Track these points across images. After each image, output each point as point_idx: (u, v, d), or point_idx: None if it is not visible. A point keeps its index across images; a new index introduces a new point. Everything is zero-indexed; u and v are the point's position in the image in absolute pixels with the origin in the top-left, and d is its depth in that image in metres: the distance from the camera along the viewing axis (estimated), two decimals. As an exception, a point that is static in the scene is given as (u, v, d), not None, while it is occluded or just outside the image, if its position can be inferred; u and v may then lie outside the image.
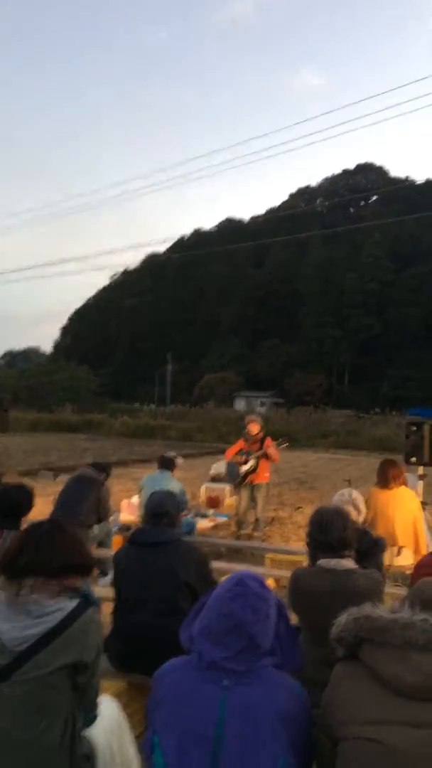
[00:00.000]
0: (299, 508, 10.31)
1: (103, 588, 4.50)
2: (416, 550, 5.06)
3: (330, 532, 2.59)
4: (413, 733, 1.45)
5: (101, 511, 5.83)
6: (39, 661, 1.83)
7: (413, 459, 6.43)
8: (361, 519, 3.88)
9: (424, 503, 6.21)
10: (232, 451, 7.98)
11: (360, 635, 1.59)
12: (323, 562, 2.59)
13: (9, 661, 1.82)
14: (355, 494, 3.92)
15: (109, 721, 2.19)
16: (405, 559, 5.01)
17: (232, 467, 7.99)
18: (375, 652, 1.55)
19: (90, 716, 2.05)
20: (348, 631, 1.62)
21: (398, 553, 5.06)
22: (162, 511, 3.15)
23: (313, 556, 2.68)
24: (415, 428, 6.51)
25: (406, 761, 1.43)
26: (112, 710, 2.27)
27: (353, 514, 3.71)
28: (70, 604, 1.93)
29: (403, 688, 1.49)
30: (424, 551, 4.96)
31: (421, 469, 6.65)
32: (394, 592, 3.98)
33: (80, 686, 1.93)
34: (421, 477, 6.73)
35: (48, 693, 1.84)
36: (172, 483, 6.29)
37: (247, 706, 1.57)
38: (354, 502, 3.85)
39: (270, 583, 4.52)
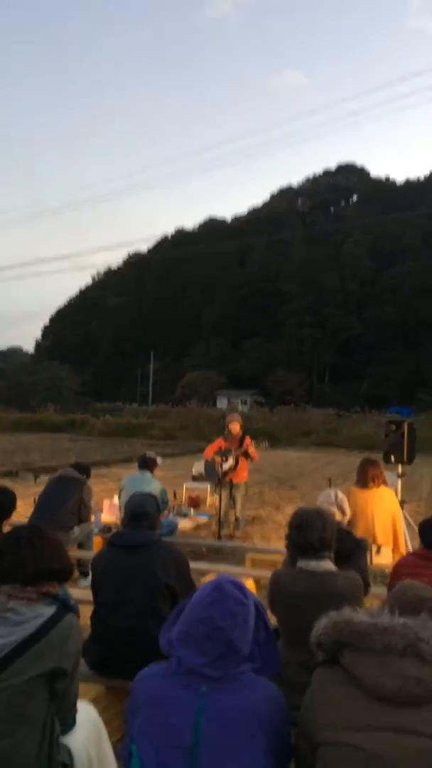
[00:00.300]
0: (281, 506, 10.34)
1: (83, 590, 4.47)
2: (395, 549, 5.11)
3: (309, 533, 2.58)
4: (393, 739, 1.45)
5: (82, 512, 5.78)
6: (16, 669, 1.80)
7: (392, 458, 6.48)
8: (345, 520, 3.90)
9: (403, 501, 6.27)
10: (211, 449, 7.98)
11: (340, 640, 1.59)
12: (302, 563, 2.59)
13: None
14: (341, 496, 3.93)
15: (87, 727, 2.16)
16: (384, 558, 5.05)
17: (211, 466, 7.99)
18: (355, 656, 1.55)
19: (68, 723, 2.02)
20: (328, 635, 1.62)
21: (378, 552, 5.10)
22: (142, 512, 3.13)
23: (293, 558, 2.68)
24: (394, 427, 6.57)
25: (386, 766, 1.43)
26: (90, 716, 2.25)
27: (337, 515, 3.72)
28: (48, 611, 1.90)
29: (382, 693, 1.48)
30: (403, 550, 5.01)
31: (399, 468, 6.70)
32: (373, 591, 4.00)
33: (59, 693, 1.91)
34: (399, 475, 6.78)
35: (26, 701, 1.82)
36: (153, 483, 6.26)
37: (225, 712, 1.56)
38: (339, 504, 3.86)
39: (250, 583, 4.53)
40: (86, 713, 2.23)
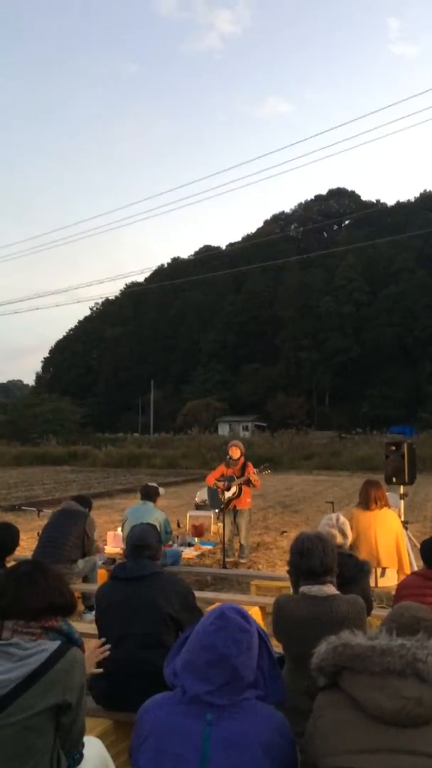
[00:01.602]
0: (284, 532, 10.30)
1: (89, 623, 4.45)
2: (400, 570, 5.09)
3: (311, 559, 2.60)
4: (395, 760, 1.46)
5: (86, 545, 5.78)
6: (22, 704, 1.81)
7: (394, 479, 6.49)
8: (347, 543, 3.91)
9: (406, 522, 6.26)
10: (213, 476, 7.98)
11: (339, 663, 1.61)
12: (305, 588, 2.60)
13: None
14: (342, 519, 3.95)
15: (95, 762, 2.16)
16: (389, 580, 5.03)
17: (214, 493, 7.99)
18: (354, 679, 1.57)
19: (75, 757, 2.02)
20: (327, 659, 1.64)
21: (382, 574, 5.08)
22: (143, 543, 3.15)
23: (295, 583, 2.70)
24: (394, 448, 6.58)
25: None
26: (98, 750, 2.25)
27: (339, 538, 3.74)
28: (52, 645, 1.92)
29: (382, 715, 1.50)
30: (408, 571, 4.99)
31: (402, 488, 6.71)
32: (379, 614, 3.99)
33: (64, 727, 1.92)
34: (402, 496, 6.78)
35: (32, 736, 1.83)
36: (156, 514, 6.26)
37: (231, 740, 1.58)
38: (340, 527, 3.88)
39: (256, 611, 4.51)
40: (94, 748, 2.23)
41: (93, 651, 2.70)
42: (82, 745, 2.07)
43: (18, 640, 1.90)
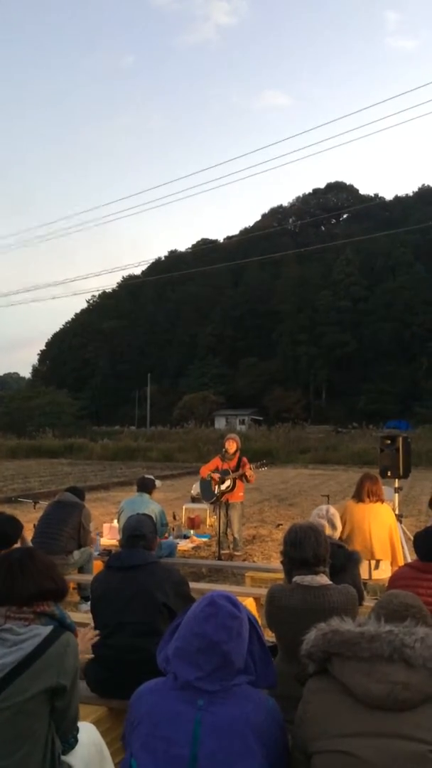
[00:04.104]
0: (279, 525, 10.34)
1: (84, 614, 4.49)
2: (394, 563, 5.13)
3: (303, 549, 2.63)
4: (383, 744, 1.49)
5: (82, 537, 5.81)
6: (16, 688, 1.84)
7: (389, 473, 6.52)
8: (336, 534, 3.95)
9: (400, 515, 6.30)
10: (207, 468, 8.01)
11: (328, 650, 1.64)
12: (298, 578, 2.63)
13: None
14: (332, 510, 3.99)
15: (89, 748, 2.19)
16: (383, 573, 5.07)
17: (207, 484, 8.00)
18: (343, 665, 1.60)
19: (69, 742, 2.06)
20: (317, 646, 1.67)
21: (376, 567, 5.13)
22: (138, 533, 3.18)
23: (289, 573, 2.73)
24: (389, 442, 6.62)
25: None
26: (92, 736, 2.28)
27: (327, 529, 3.77)
28: (45, 630, 1.95)
29: (370, 700, 1.53)
30: (401, 563, 5.02)
31: (396, 482, 6.74)
32: (372, 605, 4.03)
33: (59, 711, 1.95)
34: (396, 490, 6.82)
35: (27, 720, 1.86)
36: (151, 505, 6.29)
37: (222, 725, 1.60)
38: (330, 518, 3.92)
39: (250, 602, 4.55)
40: (88, 734, 2.26)
41: (85, 635, 2.74)
42: (77, 729, 2.10)
43: (11, 626, 1.93)
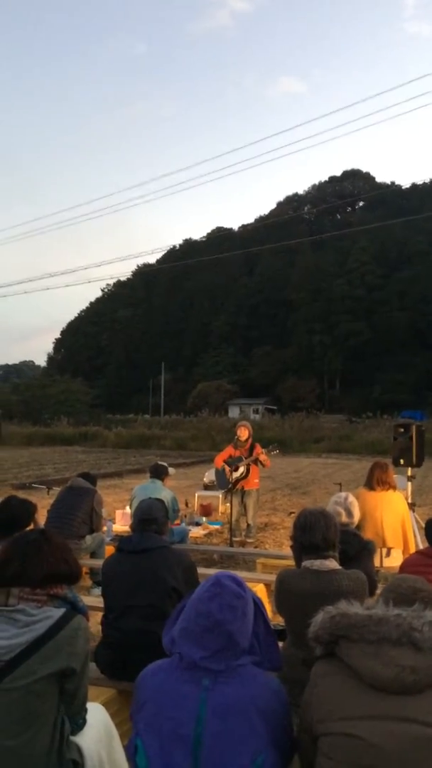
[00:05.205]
0: (292, 513, 10.34)
1: (96, 598, 4.52)
2: (405, 551, 5.11)
3: (313, 533, 2.62)
4: (390, 727, 1.48)
5: (94, 521, 5.85)
6: (26, 669, 1.85)
7: (402, 461, 6.48)
8: (353, 522, 3.92)
9: (413, 504, 6.27)
10: (221, 457, 8.01)
11: (336, 633, 1.63)
12: (307, 563, 2.63)
13: None
14: (351, 498, 3.96)
15: (98, 729, 2.21)
16: (394, 561, 5.05)
17: (222, 474, 8.01)
18: (351, 648, 1.59)
19: (79, 723, 2.07)
20: (324, 629, 1.66)
21: (388, 555, 5.11)
22: (149, 517, 3.18)
23: (298, 558, 2.72)
24: (402, 430, 6.57)
25: (383, 755, 1.46)
26: (102, 717, 2.29)
27: (343, 517, 3.76)
28: (57, 612, 1.96)
29: (378, 683, 1.53)
30: (413, 551, 5.00)
31: (409, 471, 6.70)
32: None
33: (68, 693, 1.96)
34: (409, 478, 6.78)
35: (36, 700, 1.87)
36: (164, 492, 6.30)
37: (227, 705, 1.61)
38: (347, 506, 3.89)
39: (261, 588, 4.55)
40: (97, 715, 2.28)
41: None
42: (86, 711, 2.12)
43: (24, 607, 1.94)
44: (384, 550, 5.09)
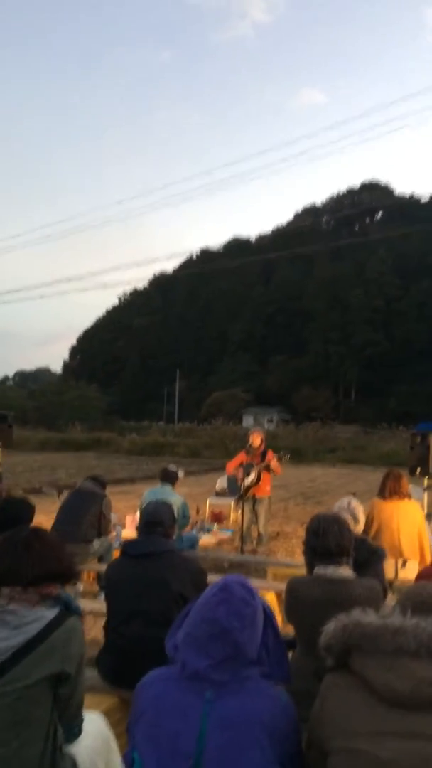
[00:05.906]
0: (305, 523, 10.18)
1: (103, 603, 4.41)
2: (422, 562, 4.95)
3: (326, 538, 2.51)
4: (405, 744, 1.37)
5: (102, 526, 5.75)
6: (18, 672, 1.75)
7: (418, 470, 6.33)
8: (358, 529, 3.80)
9: (429, 515, 6.10)
10: (233, 464, 7.89)
11: (349, 643, 1.51)
12: (320, 569, 2.51)
13: None
14: (355, 503, 3.83)
15: (95, 738, 2.10)
16: (411, 572, 4.89)
17: (233, 480, 7.90)
18: (364, 659, 1.47)
19: (73, 731, 1.96)
20: (336, 638, 1.54)
21: (404, 566, 4.95)
22: (155, 519, 3.07)
23: (310, 564, 2.60)
24: (419, 439, 6.42)
25: None
26: (99, 726, 2.18)
27: (350, 522, 3.63)
28: (50, 613, 1.86)
29: (394, 697, 1.40)
30: (429, 563, 4.85)
31: (425, 481, 6.55)
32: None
33: (62, 698, 1.85)
34: (425, 488, 6.62)
35: (28, 706, 1.77)
36: (174, 497, 6.19)
37: (230, 718, 1.49)
38: (352, 511, 3.77)
39: (271, 597, 4.42)
40: (95, 723, 2.17)
41: None
42: (81, 719, 2.00)
43: (15, 608, 1.84)
44: (400, 561, 4.93)
